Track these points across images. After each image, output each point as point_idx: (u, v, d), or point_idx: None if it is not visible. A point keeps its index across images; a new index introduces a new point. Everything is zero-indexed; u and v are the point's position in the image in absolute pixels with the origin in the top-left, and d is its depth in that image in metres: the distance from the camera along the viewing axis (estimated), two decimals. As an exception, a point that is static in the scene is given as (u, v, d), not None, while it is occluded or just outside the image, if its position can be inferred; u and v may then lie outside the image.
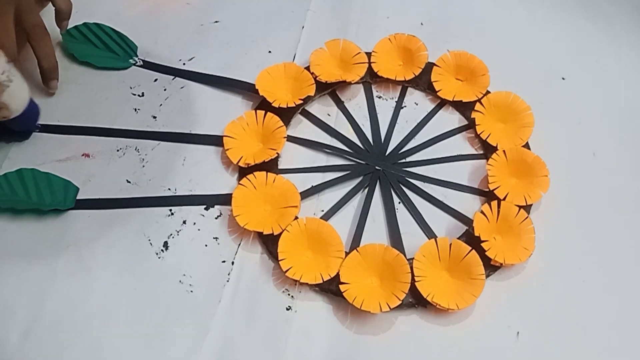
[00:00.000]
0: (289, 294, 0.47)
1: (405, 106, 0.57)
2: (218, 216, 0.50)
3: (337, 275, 0.46)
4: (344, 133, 0.55)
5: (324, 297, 0.46)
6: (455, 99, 0.56)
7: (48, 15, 0.58)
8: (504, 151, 0.52)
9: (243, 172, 0.52)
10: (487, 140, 0.53)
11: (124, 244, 0.49)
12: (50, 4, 0.57)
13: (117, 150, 0.54)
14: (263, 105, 0.55)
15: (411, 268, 0.45)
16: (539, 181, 0.50)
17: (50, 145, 0.54)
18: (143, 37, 0.61)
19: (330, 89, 0.58)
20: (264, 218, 0.49)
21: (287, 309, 0.46)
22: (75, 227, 0.49)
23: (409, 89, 0.58)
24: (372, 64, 0.58)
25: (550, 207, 0.50)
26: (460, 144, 0.55)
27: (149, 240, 0.49)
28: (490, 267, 0.47)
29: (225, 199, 0.50)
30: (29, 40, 0.54)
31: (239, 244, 0.49)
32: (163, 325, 0.45)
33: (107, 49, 0.60)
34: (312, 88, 0.56)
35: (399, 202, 0.51)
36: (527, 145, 0.53)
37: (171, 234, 0.49)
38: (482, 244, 0.47)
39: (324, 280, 0.45)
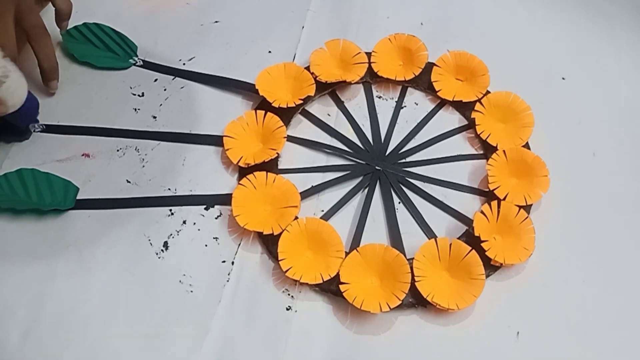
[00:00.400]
0: (289, 294, 0.47)
1: (405, 106, 0.57)
2: (218, 216, 0.50)
3: (337, 275, 0.46)
4: (344, 133, 0.55)
5: (324, 297, 0.46)
6: (455, 99, 0.56)
7: (48, 15, 0.58)
8: (504, 151, 0.51)
9: (243, 172, 0.52)
10: (487, 140, 0.53)
11: (124, 244, 0.49)
12: (50, 4, 0.57)
13: (117, 150, 0.54)
14: (263, 105, 0.55)
15: (411, 268, 0.45)
16: (539, 181, 0.50)
17: (50, 145, 0.54)
18: (143, 37, 0.61)
19: (330, 89, 0.58)
20: (264, 218, 0.49)
21: (287, 309, 0.46)
22: (75, 227, 0.49)
23: (409, 89, 0.58)
24: (372, 64, 0.58)
25: (550, 207, 0.50)
26: (460, 144, 0.55)
27: (149, 240, 0.49)
28: (490, 267, 0.47)
29: (225, 199, 0.50)
30: (29, 40, 0.54)
31: (239, 244, 0.49)
32: (163, 325, 0.45)
33: (107, 49, 0.60)
34: (312, 88, 0.56)
35: (399, 202, 0.51)
36: (527, 145, 0.53)
37: (171, 234, 0.49)
38: (482, 244, 0.47)
39: (324, 280, 0.45)
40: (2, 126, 0.53)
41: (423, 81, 0.58)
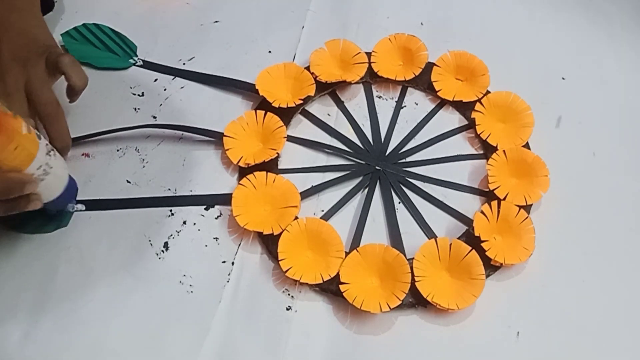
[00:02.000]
0: (289, 294, 0.46)
1: (405, 106, 0.57)
2: (218, 216, 0.50)
3: (337, 275, 0.46)
4: (344, 133, 0.55)
5: (324, 297, 0.46)
6: (455, 99, 0.56)
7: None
8: (504, 151, 0.51)
9: (243, 172, 0.52)
10: (487, 140, 0.53)
11: (124, 245, 0.49)
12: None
13: (117, 151, 0.54)
14: (263, 105, 0.55)
15: (411, 268, 0.45)
16: (539, 181, 0.50)
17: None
18: (143, 37, 0.61)
19: (330, 89, 0.58)
20: (264, 218, 0.49)
21: (287, 309, 0.46)
22: (75, 228, 0.49)
23: (409, 89, 0.58)
24: (372, 64, 0.58)
25: (550, 207, 0.50)
26: (460, 144, 0.55)
27: (149, 240, 0.49)
28: (490, 267, 0.47)
29: (225, 199, 0.50)
30: (40, 119, 0.48)
31: (239, 244, 0.49)
32: (163, 325, 0.45)
33: (106, 49, 0.60)
34: (312, 88, 0.56)
35: (399, 202, 0.51)
36: (527, 145, 0.53)
37: (171, 235, 0.49)
38: (482, 244, 0.47)
39: (324, 280, 0.45)
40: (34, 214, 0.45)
41: (423, 81, 0.58)
